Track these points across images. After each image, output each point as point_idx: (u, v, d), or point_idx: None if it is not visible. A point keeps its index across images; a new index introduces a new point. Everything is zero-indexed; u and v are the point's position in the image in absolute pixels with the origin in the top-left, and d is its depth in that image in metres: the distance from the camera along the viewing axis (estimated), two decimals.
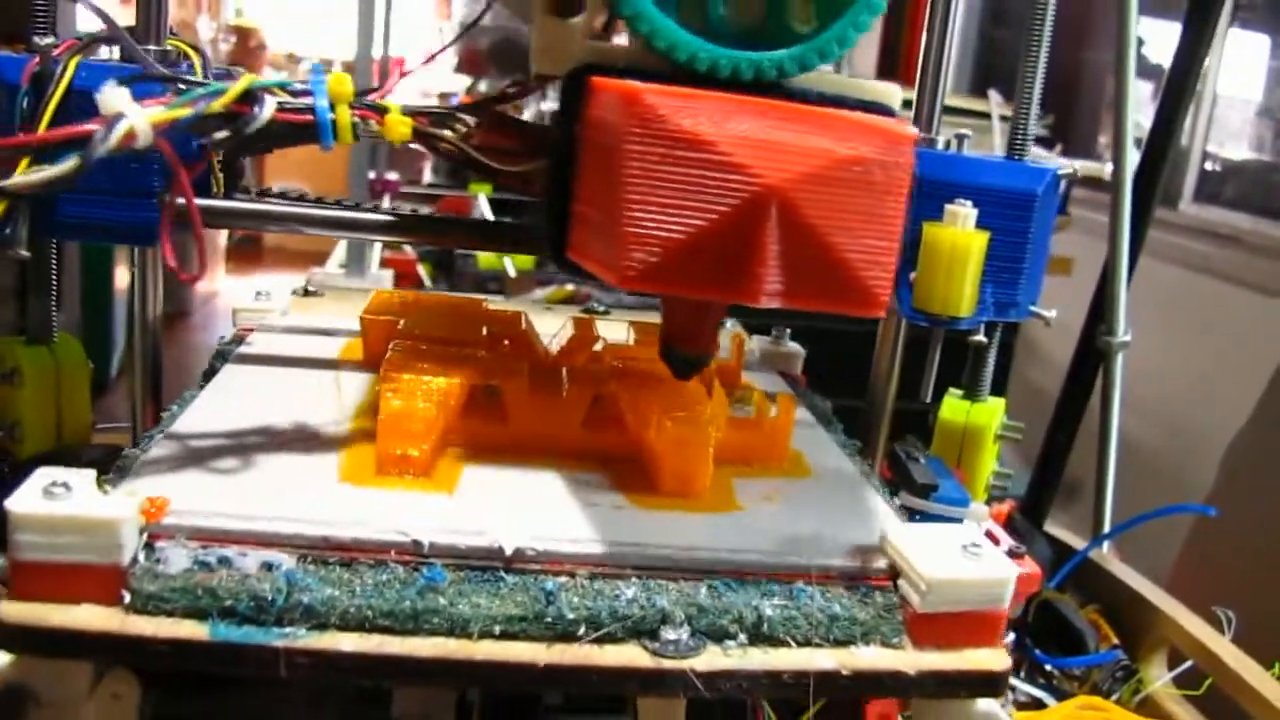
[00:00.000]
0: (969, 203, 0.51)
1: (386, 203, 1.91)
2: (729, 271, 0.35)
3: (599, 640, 0.35)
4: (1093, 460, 0.95)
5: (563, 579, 0.36)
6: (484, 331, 0.51)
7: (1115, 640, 0.66)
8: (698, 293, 0.36)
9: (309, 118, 0.40)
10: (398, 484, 0.41)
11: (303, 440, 0.44)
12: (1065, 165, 0.59)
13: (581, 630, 0.35)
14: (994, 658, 0.37)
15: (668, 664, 0.34)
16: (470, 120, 0.47)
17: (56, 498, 0.33)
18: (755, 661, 0.35)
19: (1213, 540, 1.05)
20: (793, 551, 0.39)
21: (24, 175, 0.37)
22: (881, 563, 0.39)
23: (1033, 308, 0.57)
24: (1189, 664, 0.61)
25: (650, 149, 0.34)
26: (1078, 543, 0.81)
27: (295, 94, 0.40)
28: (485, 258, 2.12)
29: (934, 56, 0.57)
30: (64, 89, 0.42)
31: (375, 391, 0.49)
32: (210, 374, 0.53)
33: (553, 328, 0.64)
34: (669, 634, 0.35)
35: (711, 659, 0.35)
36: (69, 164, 0.35)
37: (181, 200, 0.39)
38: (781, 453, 0.47)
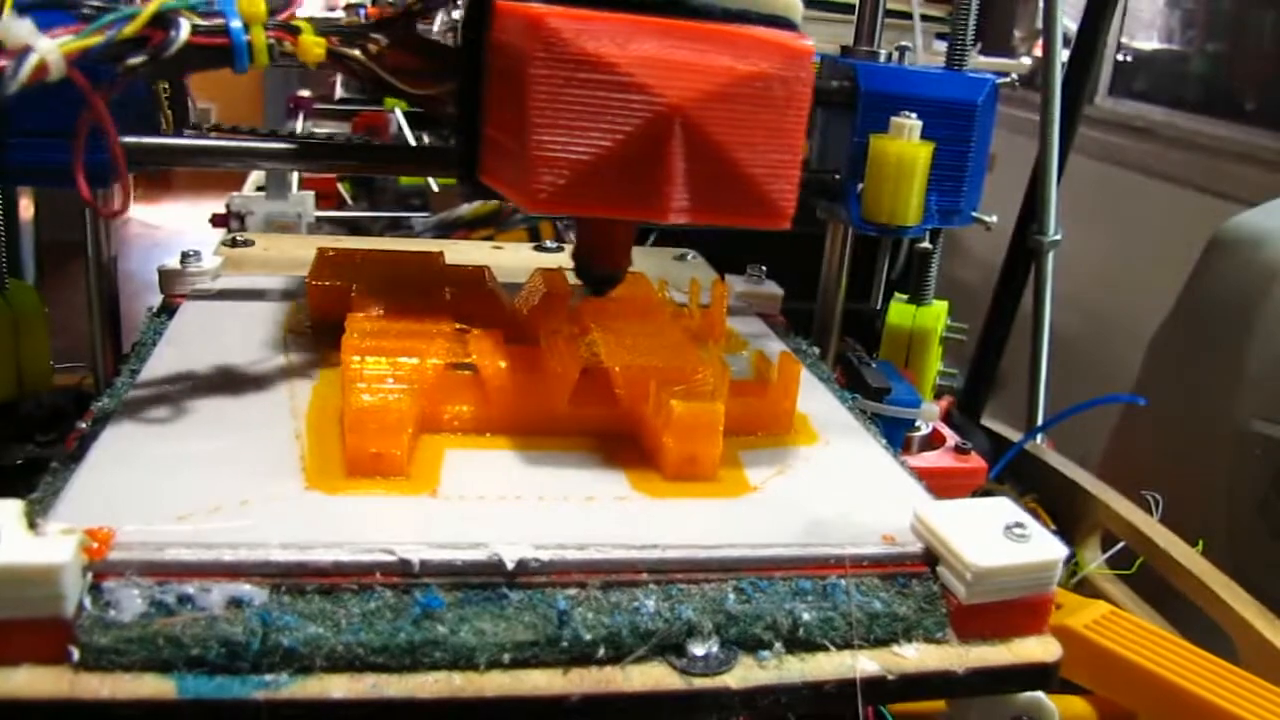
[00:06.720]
0: (914, 114, 0.51)
1: (301, 123, 1.79)
2: (637, 190, 0.36)
3: (620, 661, 0.31)
4: (1018, 354, 0.96)
5: (573, 591, 0.32)
6: (447, 295, 0.46)
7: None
8: (607, 212, 0.37)
9: (223, 40, 0.38)
10: (373, 487, 0.36)
11: (256, 436, 0.39)
12: (1005, 76, 0.58)
13: (601, 652, 0.31)
14: (1043, 647, 0.34)
15: (699, 683, 0.31)
16: (382, 39, 0.45)
17: None
18: (794, 672, 0.32)
19: (1137, 427, 1.07)
20: (820, 539, 0.35)
21: None
22: (916, 546, 0.35)
23: (974, 213, 0.58)
24: (1121, 545, 0.64)
25: (555, 72, 0.34)
26: (1013, 434, 0.82)
27: (205, 15, 0.38)
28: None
29: None
30: None
31: (332, 372, 0.44)
32: (139, 350, 0.47)
33: (508, 261, 0.58)
34: (697, 648, 0.32)
35: (747, 673, 0.31)
36: None
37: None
38: (788, 419, 0.43)
